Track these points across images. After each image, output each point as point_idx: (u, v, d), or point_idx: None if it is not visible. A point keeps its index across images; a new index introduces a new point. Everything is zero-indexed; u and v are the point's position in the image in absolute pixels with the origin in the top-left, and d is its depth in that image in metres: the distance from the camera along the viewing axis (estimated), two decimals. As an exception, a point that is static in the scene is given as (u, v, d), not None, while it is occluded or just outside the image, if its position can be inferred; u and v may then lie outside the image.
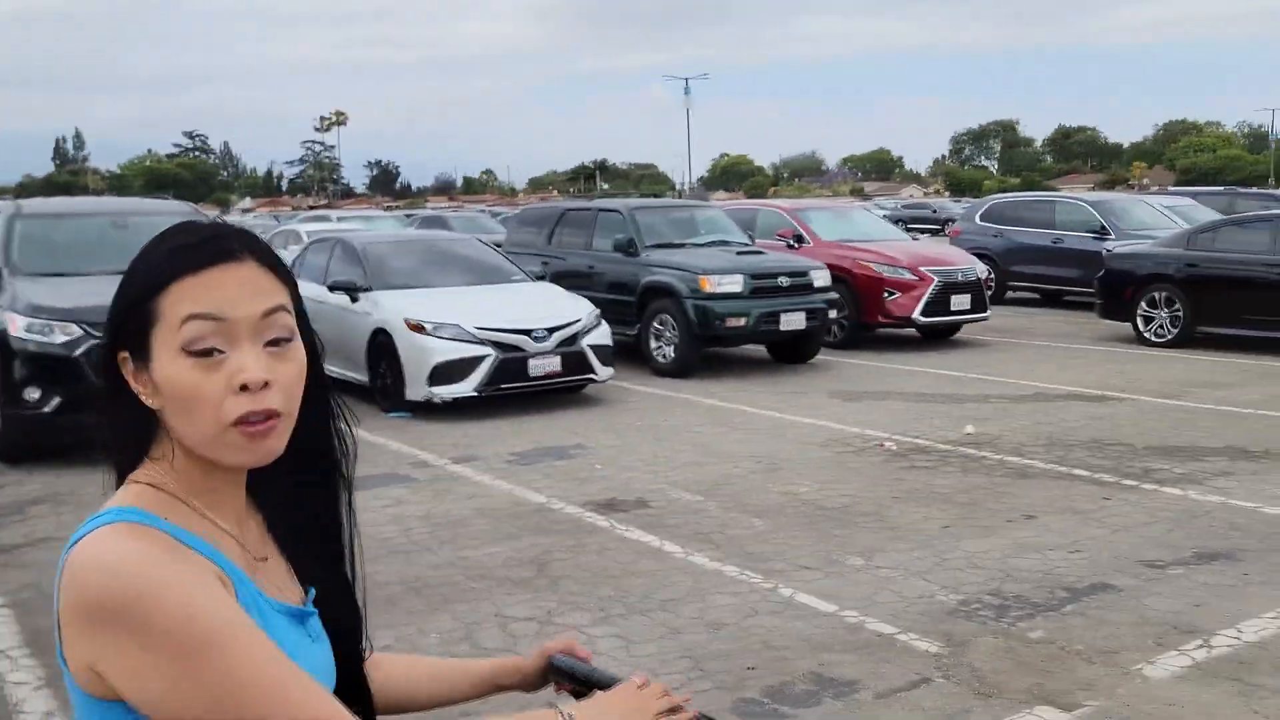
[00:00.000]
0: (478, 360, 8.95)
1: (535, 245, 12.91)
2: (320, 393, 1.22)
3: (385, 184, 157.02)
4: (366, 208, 67.16)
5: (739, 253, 11.52)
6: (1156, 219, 16.64)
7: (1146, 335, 12.68)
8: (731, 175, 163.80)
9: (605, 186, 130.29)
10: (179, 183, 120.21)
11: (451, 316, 9.12)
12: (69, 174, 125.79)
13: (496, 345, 9.02)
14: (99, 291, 7.71)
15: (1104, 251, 13.88)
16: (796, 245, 13.34)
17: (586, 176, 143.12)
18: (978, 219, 18.53)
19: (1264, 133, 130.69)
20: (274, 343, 1.11)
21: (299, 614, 1.20)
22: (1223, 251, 12.19)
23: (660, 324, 11.10)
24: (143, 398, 1.11)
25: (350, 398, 9.91)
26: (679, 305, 10.83)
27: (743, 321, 10.72)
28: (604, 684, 1.35)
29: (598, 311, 9.90)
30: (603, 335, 9.72)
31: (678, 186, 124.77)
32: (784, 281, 11.08)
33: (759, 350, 12.31)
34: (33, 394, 7.18)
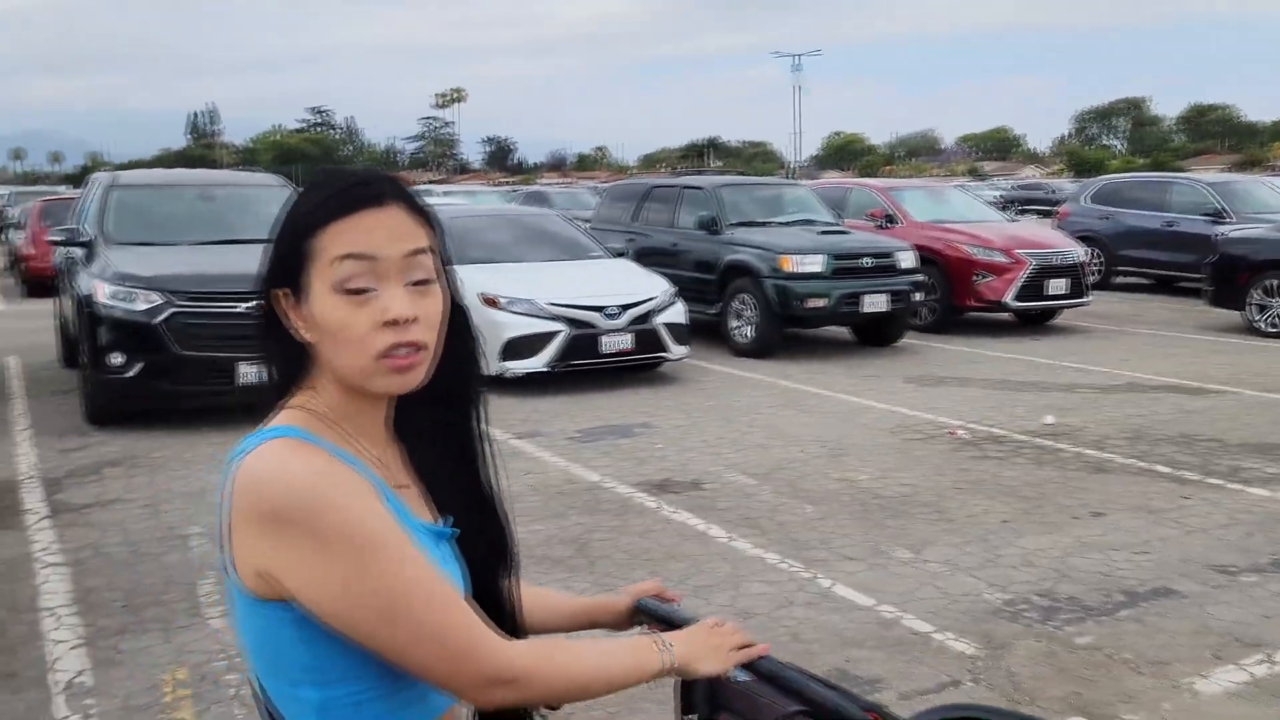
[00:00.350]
0: (550, 336, 8.95)
1: (621, 222, 12.86)
2: (462, 333, 1.31)
3: (500, 160, 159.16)
4: (480, 183, 68.08)
5: (822, 232, 11.27)
6: (1279, 202, 15.75)
7: (1259, 325, 12.01)
8: (845, 154, 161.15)
9: (718, 164, 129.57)
10: (305, 156, 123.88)
11: (526, 292, 9.13)
12: (202, 148, 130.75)
13: (569, 321, 9.00)
14: (184, 261, 8.00)
15: (1216, 236, 13.17)
16: (887, 225, 13.01)
17: (697, 154, 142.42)
18: (1086, 200, 17.81)
19: None
20: (418, 282, 1.21)
21: (437, 533, 1.29)
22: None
23: (740, 303, 10.94)
24: (298, 330, 1.21)
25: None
26: (758, 285, 10.65)
27: (823, 302, 10.49)
28: (686, 625, 1.45)
29: (674, 289, 9.81)
30: (677, 313, 9.62)
31: (788, 164, 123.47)
32: (867, 262, 10.81)
33: (842, 332, 12.06)
34: (116, 359, 7.42)
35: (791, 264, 10.51)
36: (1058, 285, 12.30)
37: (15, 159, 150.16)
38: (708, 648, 1.35)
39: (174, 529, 5.49)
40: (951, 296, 12.32)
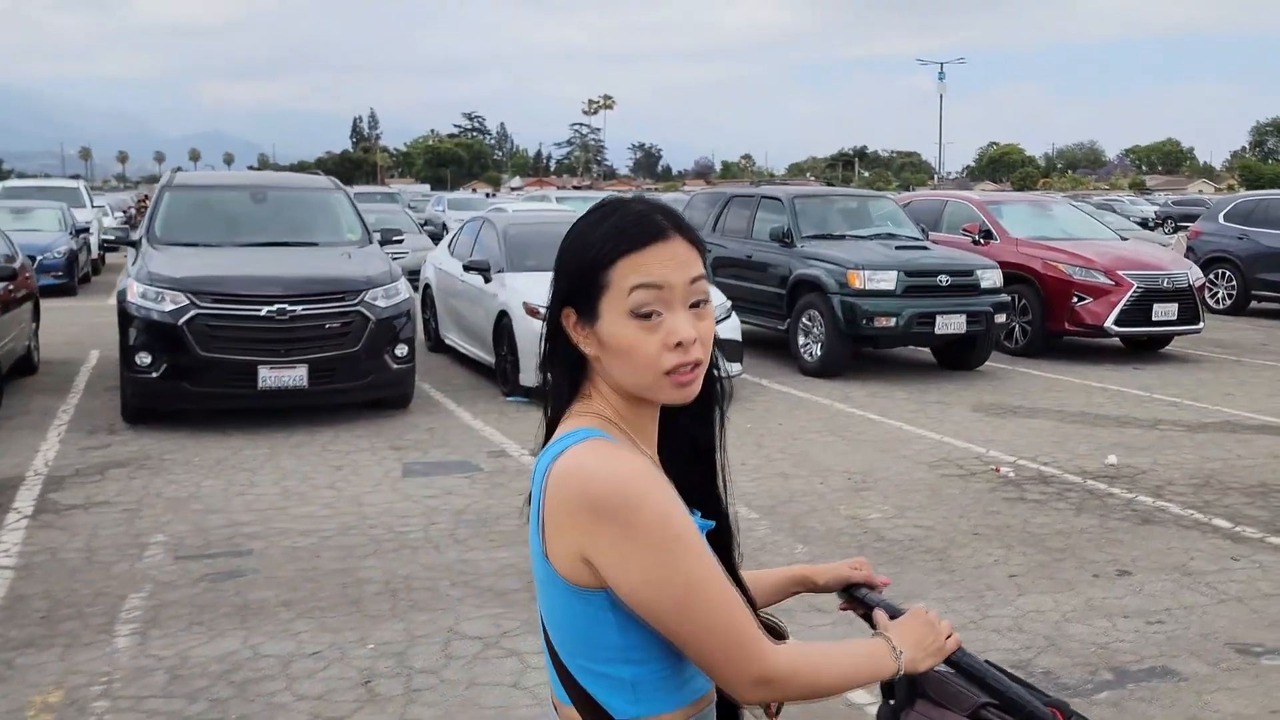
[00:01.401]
0: (589, 349, 8.64)
1: (701, 231, 12.47)
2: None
3: (648, 167, 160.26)
4: (621, 187, 68.37)
5: (898, 247, 10.64)
6: None
7: (1397, 361, 10.80)
8: (1000, 165, 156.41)
9: (865, 174, 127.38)
10: (456, 160, 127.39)
11: (570, 302, 8.85)
12: (362, 151, 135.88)
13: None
14: (219, 263, 8.04)
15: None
16: (983, 241, 12.25)
17: (845, 163, 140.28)
18: (1220, 219, 16.50)
19: None
20: (696, 304, 1.34)
21: (701, 526, 1.38)
22: None
23: (809, 320, 10.42)
24: (581, 346, 1.35)
25: (480, 379, 9.94)
26: (826, 301, 10.12)
27: (892, 322, 9.87)
28: (892, 614, 1.50)
29: (728, 303, 9.39)
30: (731, 329, 9.19)
31: (937, 175, 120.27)
32: (944, 280, 10.13)
33: (923, 353, 11.39)
34: (144, 359, 7.48)
35: (860, 280, 9.94)
36: (1166, 310, 11.32)
37: (192, 160, 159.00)
38: (926, 645, 1.43)
39: (140, 536, 5.41)
40: (1047, 319, 11.49)
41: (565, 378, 1.40)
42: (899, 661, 1.40)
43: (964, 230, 12.57)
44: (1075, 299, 11.26)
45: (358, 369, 7.90)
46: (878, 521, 5.83)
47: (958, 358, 10.75)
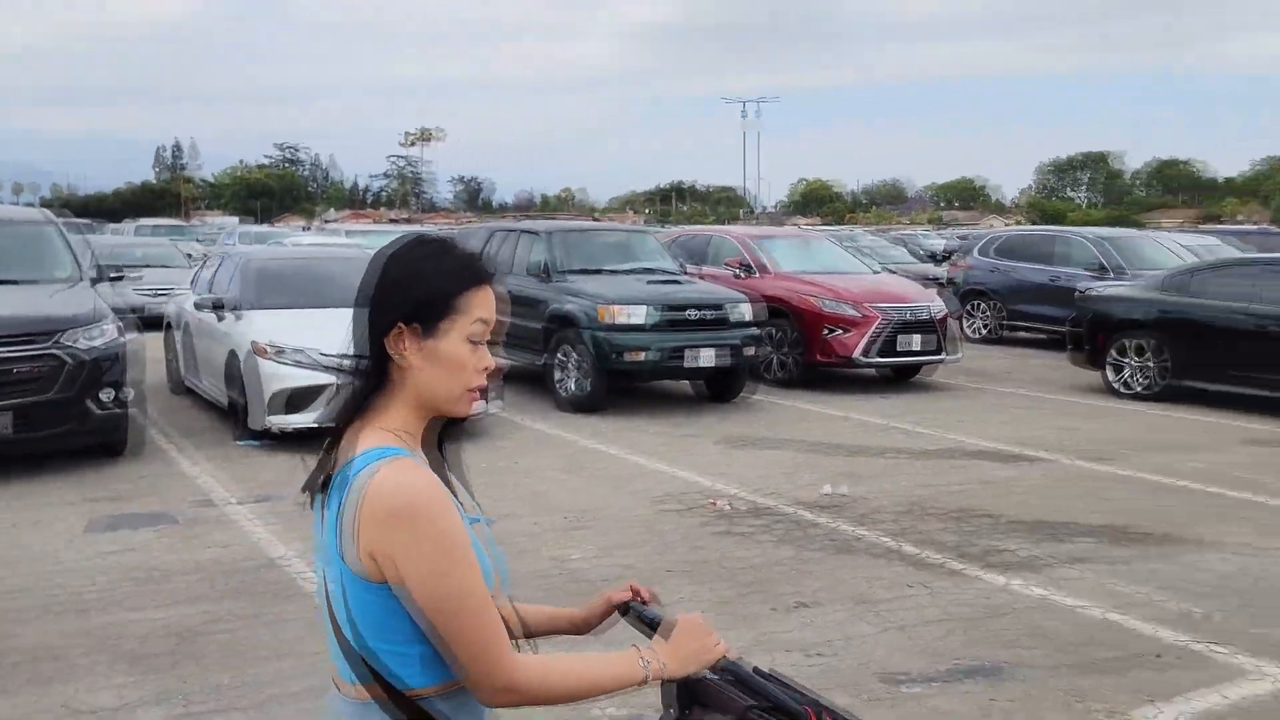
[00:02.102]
0: (321, 389, 8.31)
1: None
2: None
3: (470, 200, 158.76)
4: (448, 222, 67.31)
5: (652, 282, 10.73)
6: (1167, 259, 15.38)
7: (1115, 386, 11.56)
8: (812, 200, 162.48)
9: (684, 209, 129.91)
10: (267, 192, 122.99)
11: (304, 341, 8.49)
12: (165, 182, 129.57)
13: (345, 373, 8.37)
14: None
15: (1077, 293, 12.75)
16: (744, 275, 12.52)
17: (663, 198, 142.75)
18: (978, 254, 17.45)
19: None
20: (491, 341, 1.62)
21: (473, 521, 1.58)
22: (1199, 298, 11.04)
23: (564, 355, 10.37)
24: (403, 357, 1.56)
25: (219, 422, 9.44)
26: (580, 336, 10.09)
27: (643, 356, 9.92)
28: (665, 624, 1.64)
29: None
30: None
31: (756, 210, 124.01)
32: (693, 315, 10.26)
33: (687, 386, 11.51)
34: None
35: (611, 315, 9.96)
36: (912, 341, 11.82)
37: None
38: (688, 652, 1.59)
39: None
40: (805, 351, 11.81)
41: (366, 386, 1.58)
42: (646, 670, 1.55)
43: (726, 265, 12.83)
44: (827, 331, 11.61)
45: (57, 415, 7.34)
46: (578, 562, 5.74)
47: (718, 390, 10.91)
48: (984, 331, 16.94)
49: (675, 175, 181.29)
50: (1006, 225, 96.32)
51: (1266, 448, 9.01)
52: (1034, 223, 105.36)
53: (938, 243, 45.14)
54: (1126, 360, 11.48)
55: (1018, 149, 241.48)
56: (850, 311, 11.60)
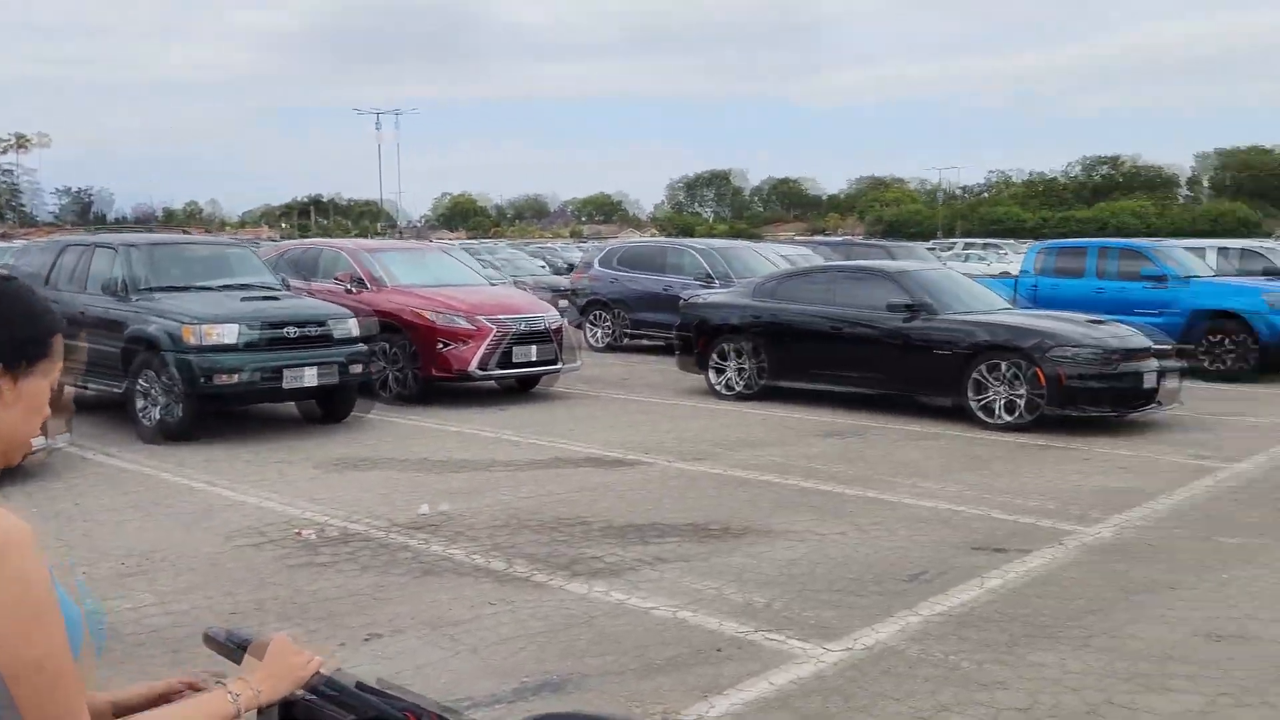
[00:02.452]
0: None
1: (37, 284, 10.91)
2: None
3: (83, 213, 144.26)
4: (48, 235, 60.39)
5: (245, 299, 10.03)
6: (765, 267, 16.54)
7: (718, 388, 12.22)
8: (458, 214, 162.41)
9: (323, 222, 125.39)
10: None
11: None
12: None
13: None
14: None
15: (681, 300, 13.41)
16: (355, 290, 12.05)
17: (302, 212, 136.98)
18: (598, 265, 17.96)
19: (947, 189, 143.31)
20: None
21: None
22: (786, 302, 11.91)
23: (147, 380, 9.43)
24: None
25: None
26: (163, 359, 9.22)
27: (235, 378, 9.23)
28: (254, 644, 1.62)
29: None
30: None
31: (400, 225, 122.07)
32: (293, 332, 9.69)
33: (292, 408, 10.86)
34: None
35: (198, 335, 9.18)
36: (527, 352, 11.86)
37: None
38: (280, 673, 1.56)
39: None
40: (421, 366, 11.53)
41: None
42: (237, 704, 1.50)
43: (336, 279, 12.30)
44: (442, 345, 11.40)
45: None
46: (129, 613, 5.12)
47: (328, 410, 10.37)
48: (607, 340, 17.45)
49: (315, 188, 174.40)
50: (642, 237, 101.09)
51: (841, 439, 9.81)
52: (667, 235, 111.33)
53: (576, 255, 46.59)
54: (727, 363, 12.17)
55: (652, 166, 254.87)
56: (465, 324, 11.46)
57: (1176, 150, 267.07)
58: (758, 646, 4.73)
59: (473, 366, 11.44)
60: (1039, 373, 9.97)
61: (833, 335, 11.38)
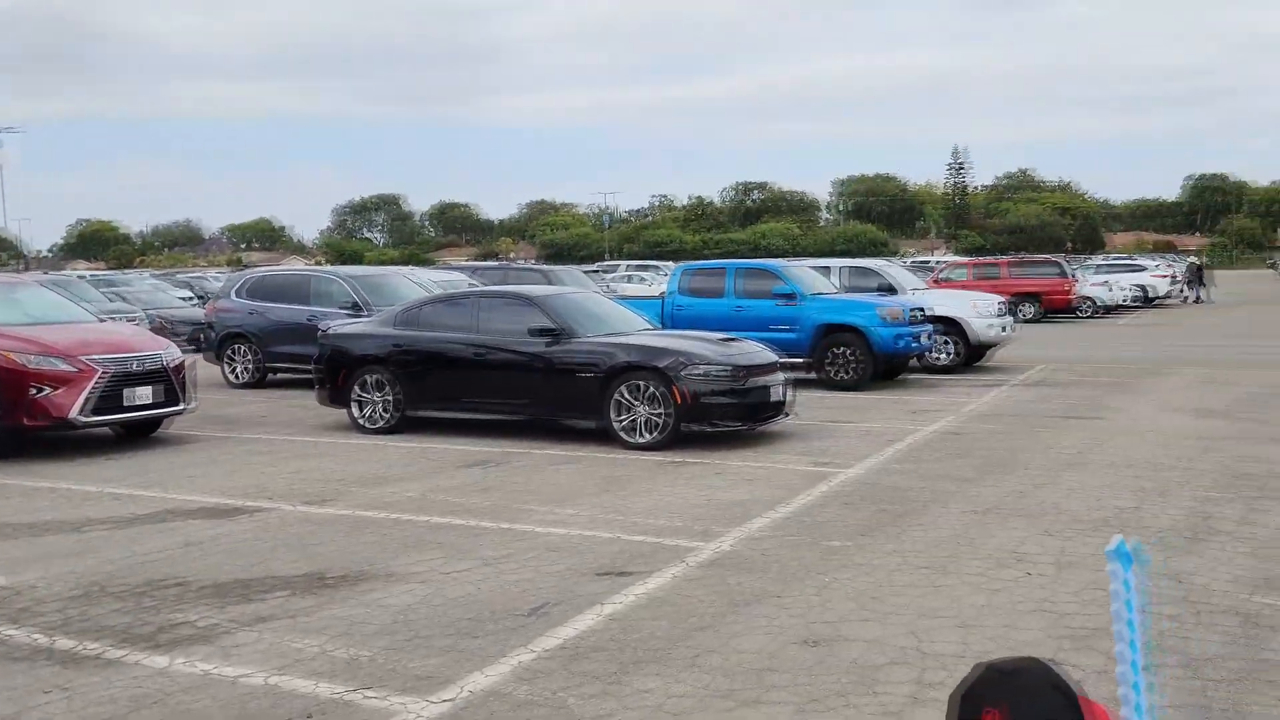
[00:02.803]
0: None
1: None
2: None
3: None
4: None
5: None
6: (415, 293, 16.07)
7: (361, 422, 11.66)
8: (94, 243, 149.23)
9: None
10: None
11: None
12: None
13: None
14: None
15: (320, 331, 12.74)
16: (-74, 331, 10.43)
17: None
18: (234, 295, 16.79)
19: (613, 213, 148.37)
20: None
21: None
22: (427, 330, 11.57)
23: None
24: None
25: None
26: None
27: None
28: None
29: None
30: None
31: (26, 255, 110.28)
32: None
33: None
34: None
35: None
36: (142, 394, 10.76)
37: None
38: None
39: None
40: (9, 414, 10.13)
41: None
42: None
43: (-98, 319, 10.61)
44: (35, 390, 10.10)
45: None
46: None
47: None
48: (246, 375, 16.32)
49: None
50: (308, 264, 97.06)
51: (483, 469, 9.59)
52: (332, 262, 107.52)
53: (214, 284, 43.78)
54: (369, 396, 11.64)
55: (316, 191, 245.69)
56: (63, 366, 10.21)
57: (816, 177, 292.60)
58: (354, 707, 4.36)
59: (74, 413, 10.21)
60: (675, 391, 10.23)
61: (476, 362, 11.16)
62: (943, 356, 17.33)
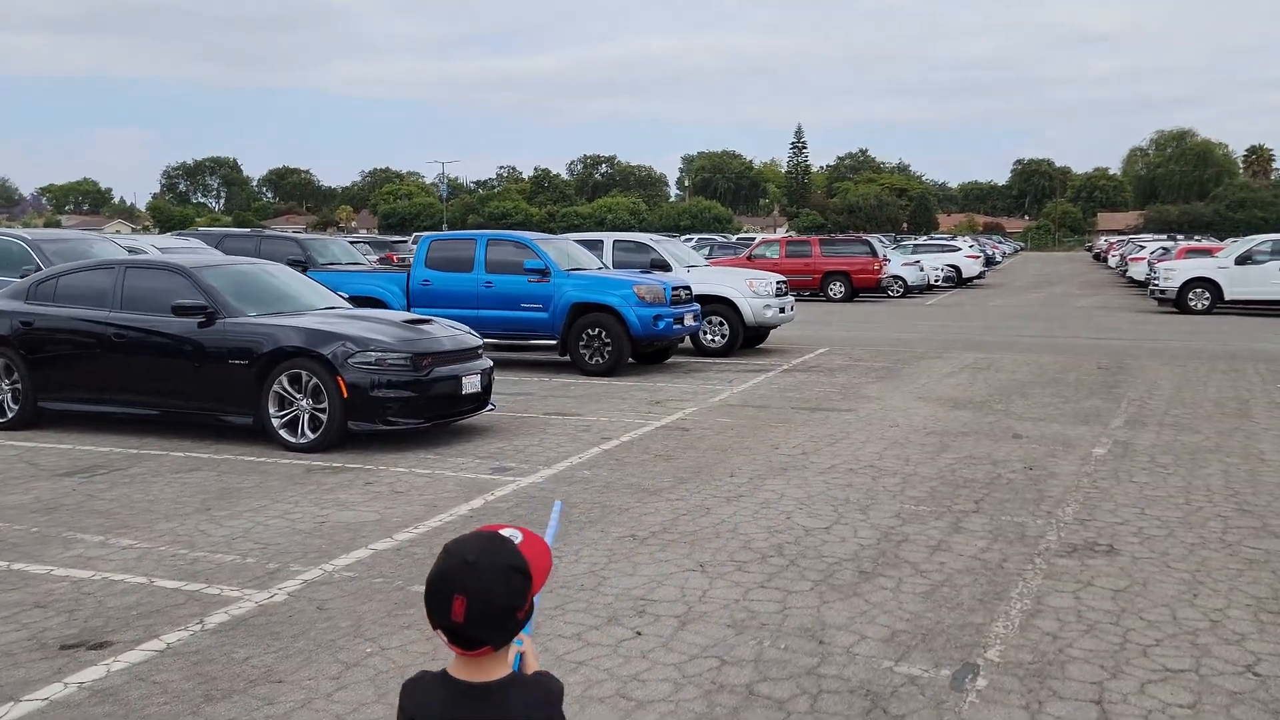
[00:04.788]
0: None
1: None
2: None
3: None
4: None
5: None
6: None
7: (-24, 416, 9.66)
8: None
9: None
10: None
11: None
12: None
13: None
14: None
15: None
16: None
17: None
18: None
19: (459, 184, 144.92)
20: None
21: None
22: (63, 306, 9.64)
23: None
24: None
25: None
26: None
27: None
28: None
29: None
30: None
31: None
32: None
33: None
34: None
35: None
36: None
37: None
38: None
39: None
40: None
41: None
42: None
43: None
44: None
45: None
46: None
47: None
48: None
49: None
50: (135, 231, 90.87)
51: (80, 477, 7.81)
52: (161, 229, 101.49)
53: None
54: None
55: (141, 153, 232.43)
56: None
57: (665, 154, 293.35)
58: None
59: None
60: (340, 382, 8.64)
61: (117, 346, 9.30)
62: (716, 339, 16.19)
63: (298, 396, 8.79)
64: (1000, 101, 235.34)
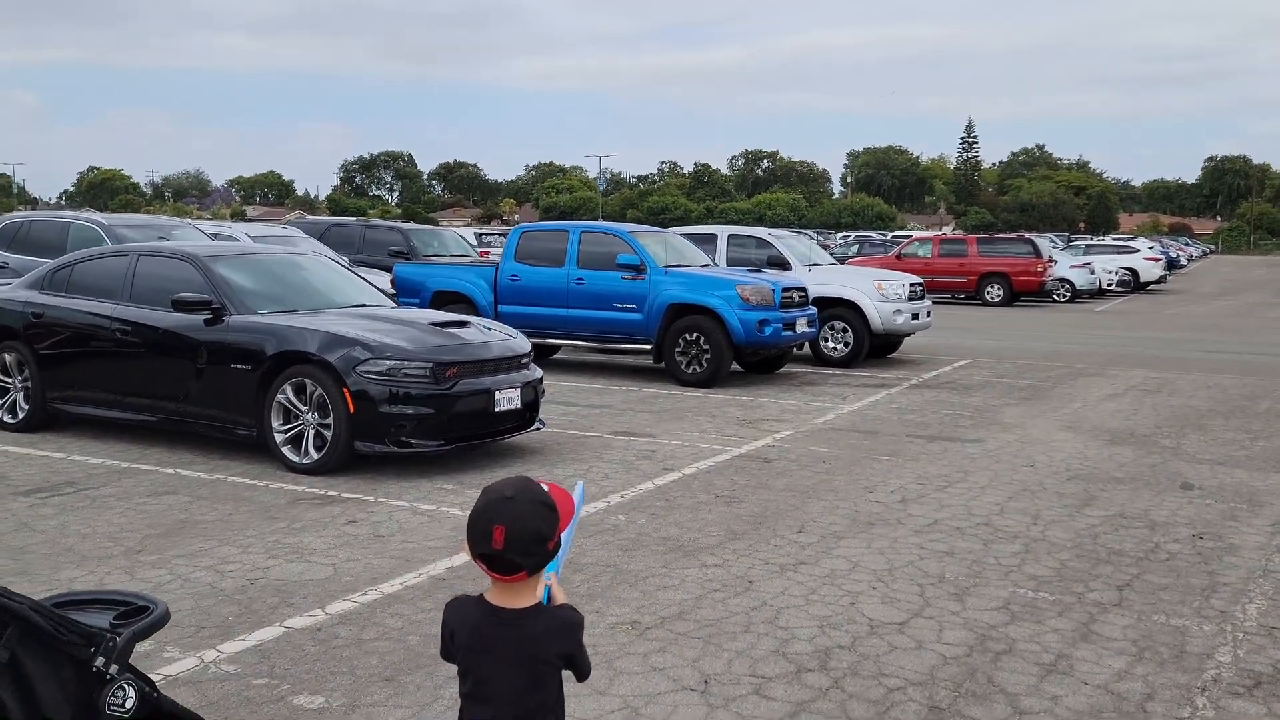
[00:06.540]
0: None
1: None
2: None
3: None
4: None
5: None
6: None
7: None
8: (102, 191, 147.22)
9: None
10: None
11: None
12: None
13: None
14: None
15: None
16: None
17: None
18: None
19: (619, 178, 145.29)
20: None
21: None
22: (76, 297, 8.71)
23: None
24: None
25: None
26: None
27: None
28: None
29: None
30: None
31: (37, 202, 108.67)
32: None
33: None
34: None
35: None
36: None
37: None
38: None
39: None
40: None
41: None
42: None
43: None
44: None
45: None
46: None
47: None
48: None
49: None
50: (303, 216, 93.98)
51: (40, 496, 6.75)
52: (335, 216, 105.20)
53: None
54: (10, 381, 8.83)
55: (323, 147, 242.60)
56: None
57: (829, 149, 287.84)
58: None
59: None
60: (346, 394, 7.36)
61: (123, 344, 8.29)
62: (838, 348, 14.34)
63: (302, 409, 7.56)
64: (1192, 94, 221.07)
